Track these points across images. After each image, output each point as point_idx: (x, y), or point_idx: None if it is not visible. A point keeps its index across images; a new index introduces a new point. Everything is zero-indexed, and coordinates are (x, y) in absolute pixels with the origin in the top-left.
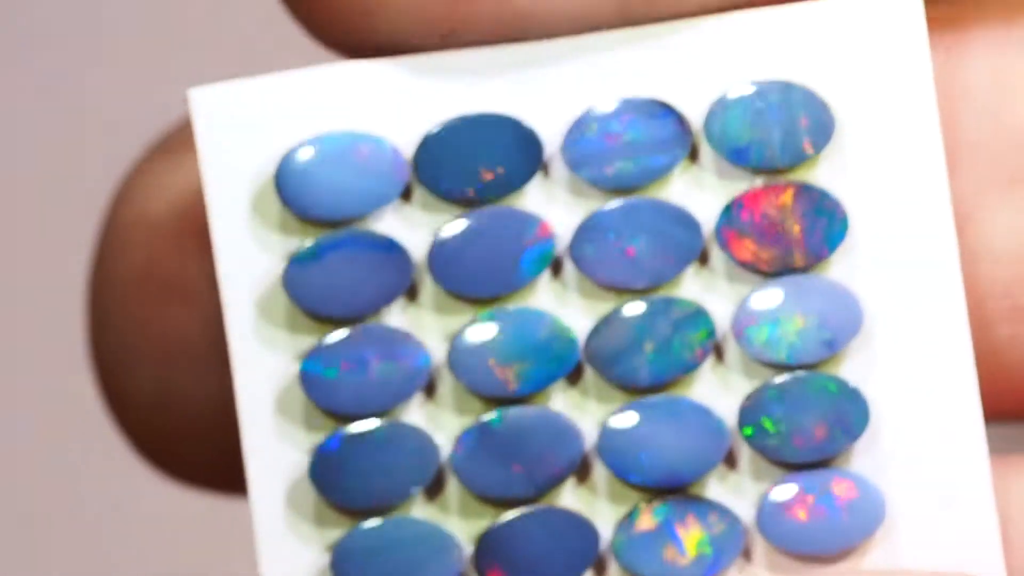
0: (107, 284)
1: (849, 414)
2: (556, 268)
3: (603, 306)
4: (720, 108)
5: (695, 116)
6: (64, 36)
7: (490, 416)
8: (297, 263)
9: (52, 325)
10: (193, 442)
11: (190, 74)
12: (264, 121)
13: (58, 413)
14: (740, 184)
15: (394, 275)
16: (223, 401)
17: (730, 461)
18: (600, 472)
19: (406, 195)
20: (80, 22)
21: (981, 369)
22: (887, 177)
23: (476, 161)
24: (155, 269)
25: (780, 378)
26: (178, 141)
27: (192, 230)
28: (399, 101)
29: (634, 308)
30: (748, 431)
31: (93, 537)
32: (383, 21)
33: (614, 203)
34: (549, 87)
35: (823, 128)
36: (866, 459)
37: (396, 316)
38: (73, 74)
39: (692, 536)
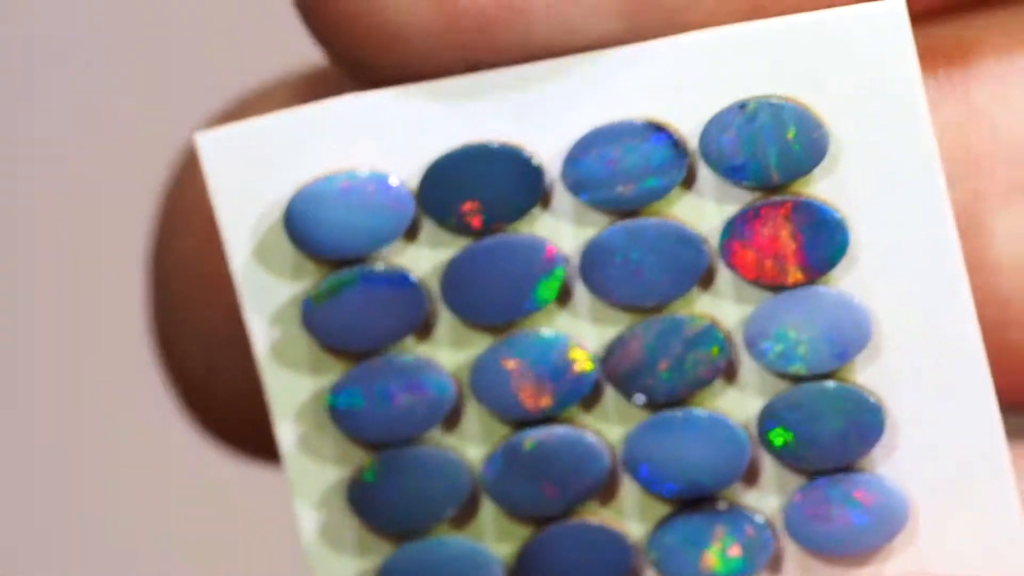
0: (163, 264)
1: (865, 420)
2: (566, 291)
3: (614, 327)
4: (714, 127)
5: (691, 135)
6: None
7: (516, 436)
8: (313, 302)
9: (117, 306)
10: (239, 414)
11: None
12: (272, 160)
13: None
14: (739, 202)
15: (409, 308)
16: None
17: (753, 471)
18: (627, 487)
19: (415, 229)
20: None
21: (993, 366)
22: (886, 187)
23: (480, 190)
24: (204, 255)
25: (795, 387)
26: None
27: None
28: (401, 132)
29: (648, 327)
30: (769, 438)
31: (148, 504)
32: (407, 54)
33: (617, 224)
34: (545, 110)
35: (817, 143)
36: (887, 464)
37: (414, 348)
38: (136, 63)
39: (724, 544)
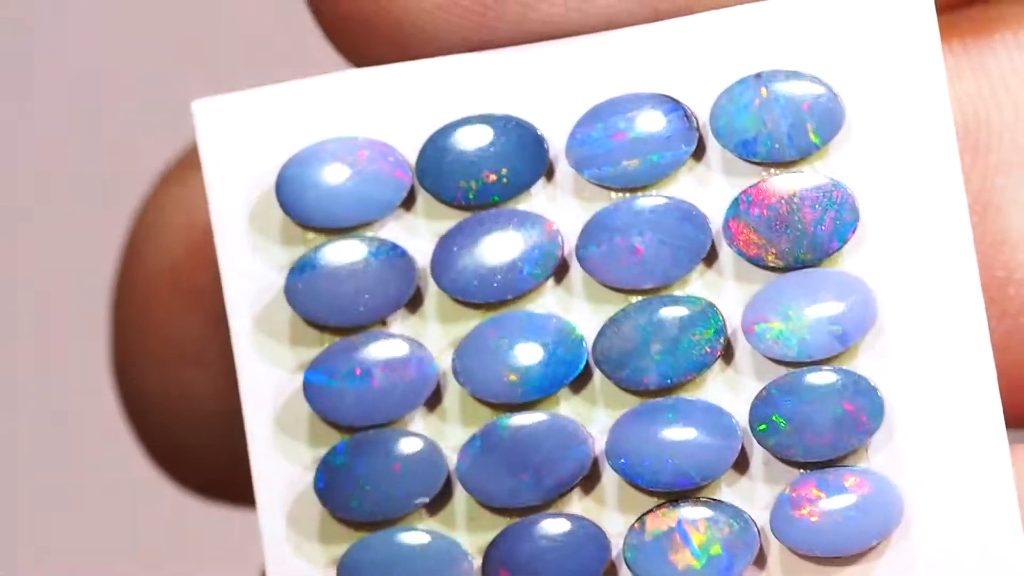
0: (129, 287)
1: (863, 410)
2: (562, 270)
3: (610, 308)
4: (726, 101)
5: (701, 111)
6: (95, 40)
7: (494, 422)
8: (297, 272)
9: (79, 325)
10: (202, 448)
11: (210, 83)
12: (268, 131)
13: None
14: (748, 178)
15: (398, 282)
16: (232, 408)
17: (742, 462)
18: (609, 477)
19: (409, 201)
20: (109, 25)
21: (1001, 359)
22: (898, 167)
23: (479, 163)
24: (173, 276)
25: (791, 374)
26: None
27: (208, 241)
28: (401, 106)
29: (642, 308)
30: (761, 428)
31: (102, 538)
32: (413, 36)
33: (619, 202)
34: (552, 86)
35: (831, 118)
36: (882, 456)
37: (400, 324)
38: (106, 78)
39: (704, 540)
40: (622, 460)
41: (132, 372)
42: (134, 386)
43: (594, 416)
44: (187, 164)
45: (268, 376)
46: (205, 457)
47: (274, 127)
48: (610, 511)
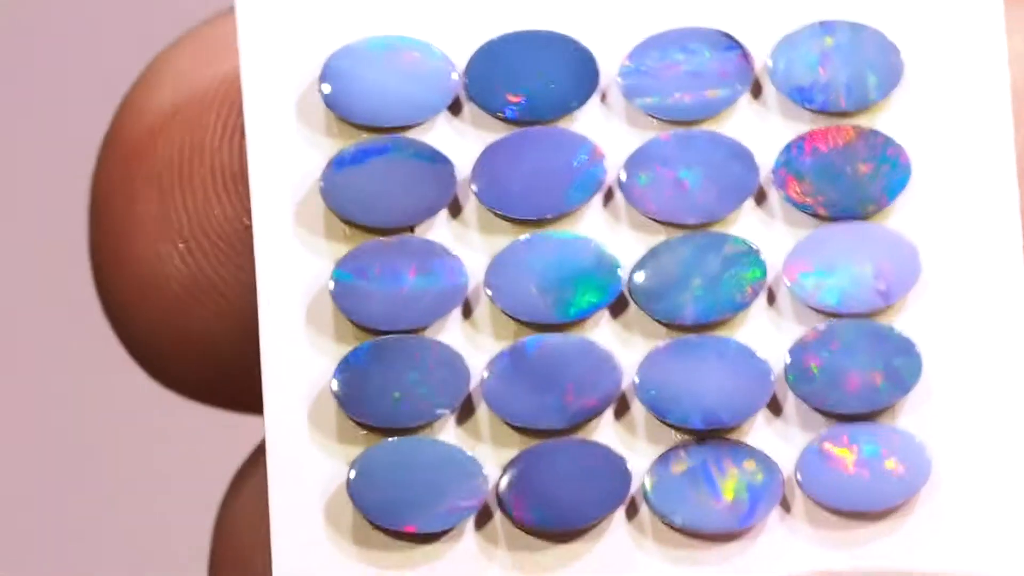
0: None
1: (901, 366)
2: (608, 196)
3: (652, 239)
4: (787, 45)
5: (761, 53)
6: None
7: (525, 341)
8: (336, 167)
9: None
10: (195, 357)
11: None
12: (311, 22)
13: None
14: (802, 125)
15: (437, 187)
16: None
17: (775, 408)
18: (638, 410)
19: (456, 108)
20: None
21: None
22: (953, 127)
23: (530, 79)
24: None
25: (830, 324)
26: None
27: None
28: (456, 12)
29: (684, 242)
30: (793, 376)
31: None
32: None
33: (669, 133)
34: (612, 10)
35: (891, 73)
36: (915, 416)
37: (437, 231)
38: None
39: (729, 482)
40: (652, 392)
41: (116, 258)
42: (117, 275)
43: (627, 347)
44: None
45: (291, 269)
46: (200, 362)
47: (320, 19)
48: (637, 444)
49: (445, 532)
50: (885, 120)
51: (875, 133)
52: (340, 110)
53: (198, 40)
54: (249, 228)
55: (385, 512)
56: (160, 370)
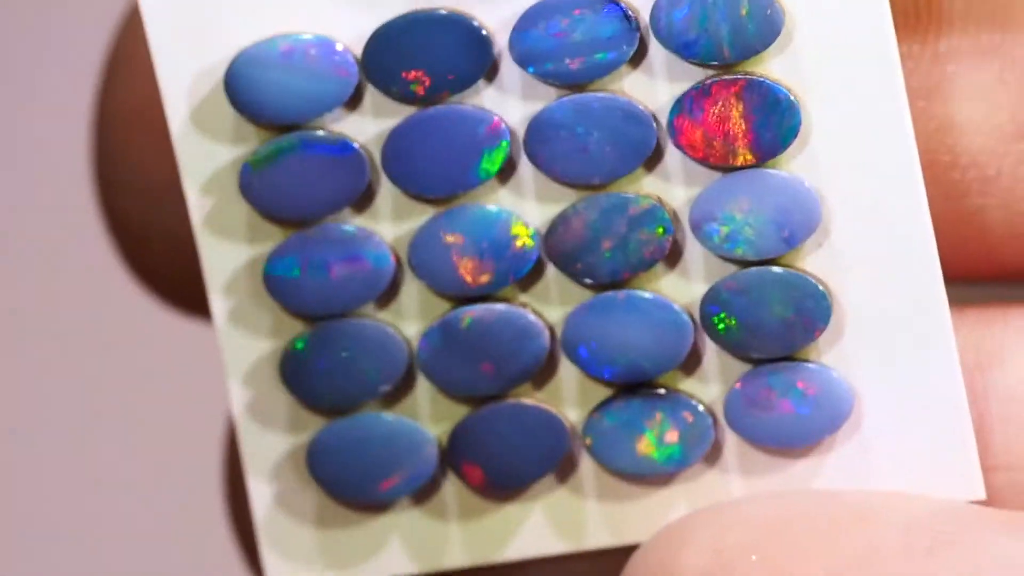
0: (106, 113)
1: (811, 307)
2: (511, 166)
3: (559, 204)
4: (665, 2)
5: (643, 9)
6: None
7: (453, 314)
8: (251, 167)
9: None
10: (176, 269)
11: None
12: (215, 23)
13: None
14: (691, 80)
15: (351, 175)
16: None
17: (695, 357)
18: (565, 369)
19: (356, 99)
20: None
21: (955, 235)
22: (840, 68)
23: (425, 60)
24: (149, 110)
25: (739, 273)
26: None
27: None
28: (348, 3)
29: (591, 205)
30: (710, 324)
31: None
32: None
33: (564, 99)
34: None
35: (771, 20)
36: (832, 353)
37: (355, 218)
38: None
39: (660, 430)
40: (580, 350)
41: (116, 197)
42: (118, 213)
43: (548, 309)
44: None
45: (229, 268)
46: (186, 276)
47: (222, 19)
48: (566, 402)
49: (401, 500)
50: (772, 68)
51: (762, 82)
52: (248, 113)
53: None
54: None
55: (348, 486)
56: (141, 262)
